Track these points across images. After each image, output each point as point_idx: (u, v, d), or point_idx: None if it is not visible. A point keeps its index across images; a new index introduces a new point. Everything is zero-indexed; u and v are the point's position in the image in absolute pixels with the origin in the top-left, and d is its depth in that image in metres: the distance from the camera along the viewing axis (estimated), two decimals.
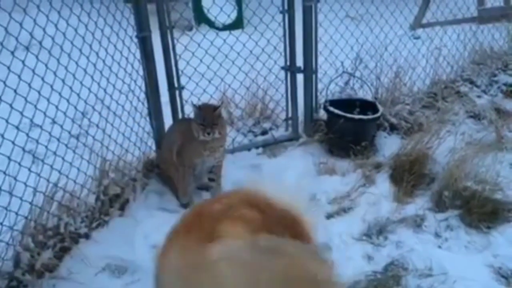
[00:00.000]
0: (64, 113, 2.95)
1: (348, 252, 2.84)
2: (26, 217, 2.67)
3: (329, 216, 3.16)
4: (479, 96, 4.64)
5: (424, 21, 6.63)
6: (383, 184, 3.43)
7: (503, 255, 2.77)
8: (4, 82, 2.39)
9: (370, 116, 3.81)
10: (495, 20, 5.70)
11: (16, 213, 2.61)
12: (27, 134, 2.66)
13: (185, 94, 3.59)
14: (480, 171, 3.19)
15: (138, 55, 3.30)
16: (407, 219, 3.09)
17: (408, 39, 5.17)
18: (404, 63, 4.56)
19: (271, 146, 3.97)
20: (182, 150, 3.20)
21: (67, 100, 2.95)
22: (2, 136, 2.45)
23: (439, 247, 2.88)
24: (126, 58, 3.32)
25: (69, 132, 3.05)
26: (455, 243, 2.90)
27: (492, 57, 5.07)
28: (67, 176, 2.92)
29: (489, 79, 4.85)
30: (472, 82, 4.78)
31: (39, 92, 2.66)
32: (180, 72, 3.46)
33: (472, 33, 5.19)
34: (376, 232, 2.98)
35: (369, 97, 4.16)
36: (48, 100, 2.76)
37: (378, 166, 3.62)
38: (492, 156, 3.38)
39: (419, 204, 3.22)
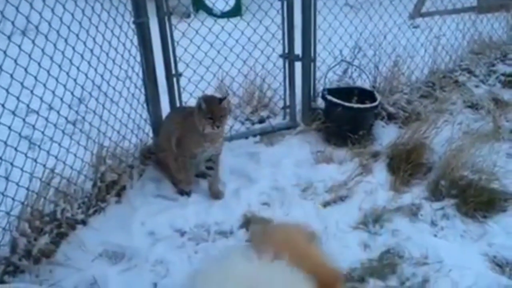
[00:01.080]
0: (61, 99, 2.93)
1: (344, 240, 2.85)
2: (22, 203, 2.67)
3: (326, 204, 3.17)
4: (477, 86, 4.64)
5: (424, 10, 6.60)
6: (380, 173, 3.44)
7: (498, 244, 2.79)
8: (0, 67, 2.37)
9: (368, 105, 3.80)
10: (495, 10, 5.67)
11: (13, 199, 2.61)
12: (24, 120, 2.64)
13: (183, 81, 3.57)
14: (477, 161, 3.20)
15: (135, 41, 3.27)
16: (403, 208, 3.10)
17: (407, 28, 5.16)
18: (403, 52, 4.55)
19: (268, 135, 3.96)
20: (183, 141, 3.17)
21: (64, 86, 2.93)
22: None
23: (435, 235, 2.90)
24: (124, 44, 3.29)
25: (66, 118, 3.03)
26: (451, 232, 2.91)
27: (490, 47, 5.06)
28: (64, 162, 2.91)
29: (488, 69, 4.84)
30: (470, 72, 4.78)
31: (35, 78, 2.64)
32: (177, 59, 3.44)
33: (471, 23, 5.17)
34: (373, 220, 2.99)
35: (367, 86, 4.15)
36: (44, 85, 2.74)
37: (375, 155, 3.63)
38: (489, 146, 3.39)
39: (415, 193, 3.23)
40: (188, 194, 3.26)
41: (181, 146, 3.18)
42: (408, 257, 2.71)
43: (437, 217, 3.03)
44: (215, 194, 3.27)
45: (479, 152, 3.27)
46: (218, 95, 3.89)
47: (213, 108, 2.98)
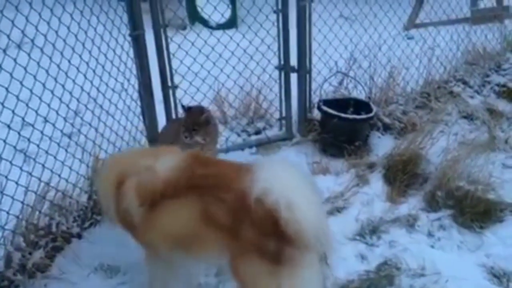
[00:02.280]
0: (57, 112, 2.92)
1: (341, 252, 2.83)
2: (17, 217, 2.66)
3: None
4: (472, 97, 4.66)
5: (418, 21, 6.64)
6: (376, 184, 3.44)
7: (495, 254, 2.78)
8: None
9: (363, 116, 3.81)
10: (488, 21, 5.72)
11: (8, 212, 2.60)
12: (19, 133, 2.64)
13: (179, 93, 3.58)
14: (472, 171, 3.21)
15: (131, 53, 3.28)
16: (400, 218, 3.10)
17: (402, 39, 5.18)
18: (398, 63, 4.58)
19: (264, 146, 3.97)
20: None
21: (60, 99, 2.93)
22: None
23: (432, 246, 2.89)
24: (119, 57, 3.30)
25: (61, 131, 3.03)
26: (448, 243, 2.91)
27: (485, 57, 5.09)
28: (59, 175, 2.90)
29: (482, 80, 4.87)
30: (465, 83, 4.80)
31: (31, 91, 2.64)
32: (173, 71, 3.45)
33: (465, 34, 5.22)
34: (370, 231, 2.99)
35: (362, 97, 4.16)
36: (40, 98, 2.74)
37: (371, 166, 3.63)
38: (484, 156, 3.40)
39: (412, 204, 3.23)
40: None
41: None
42: (405, 268, 2.70)
43: (434, 228, 3.02)
44: None
45: (474, 162, 3.27)
46: (212, 107, 3.91)
47: (188, 118, 2.98)
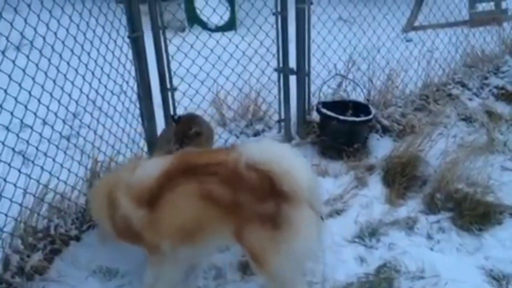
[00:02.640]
0: (55, 114, 2.92)
1: (340, 254, 2.84)
2: (15, 219, 2.65)
3: (321, 218, 3.14)
4: (470, 99, 4.66)
5: (417, 24, 6.66)
6: (375, 186, 3.44)
7: (494, 257, 2.79)
8: None
9: (362, 118, 3.81)
10: (486, 24, 5.74)
11: (6, 215, 2.59)
12: (17, 135, 2.63)
13: (178, 95, 3.57)
14: (471, 174, 3.21)
15: (130, 55, 3.28)
16: (399, 221, 3.09)
17: (401, 42, 5.21)
18: (397, 66, 4.58)
19: None
20: None
21: (58, 101, 2.92)
22: None
23: (431, 249, 2.89)
24: (118, 59, 3.30)
25: (60, 133, 3.03)
26: (447, 245, 2.91)
27: (483, 60, 5.10)
28: (57, 178, 2.89)
29: (481, 82, 4.88)
30: (463, 85, 4.81)
31: (29, 93, 2.64)
32: (172, 73, 3.44)
33: (464, 36, 5.23)
34: (369, 234, 2.98)
35: (361, 99, 4.17)
36: (39, 100, 2.74)
37: (370, 168, 3.63)
38: (483, 158, 3.41)
39: (411, 206, 3.23)
40: None
41: None
42: (404, 271, 2.70)
43: (433, 230, 3.02)
44: None
45: (473, 165, 3.28)
46: (211, 109, 3.91)
47: (178, 130, 3.01)
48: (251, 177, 2.06)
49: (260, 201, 2.06)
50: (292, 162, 2.09)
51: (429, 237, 2.98)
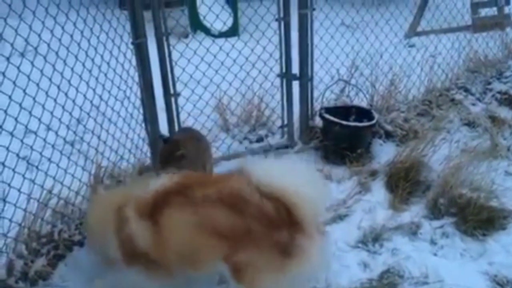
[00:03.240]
0: (59, 120, 2.93)
1: (343, 259, 2.83)
2: (19, 224, 2.65)
3: (325, 223, 3.14)
4: (473, 104, 4.66)
5: (419, 29, 6.67)
6: (378, 192, 3.43)
7: (498, 262, 2.78)
8: None
9: (365, 123, 3.81)
10: (489, 29, 5.74)
11: (10, 220, 2.59)
12: (22, 141, 2.64)
13: (181, 100, 3.58)
14: (475, 179, 3.20)
15: (134, 61, 3.29)
16: (402, 226, 3.09)
17: (403, 47, 5.21)
18: (399, 71, 4.58)
19: (266, 153, 3.96)
20: None
21: (62, 107, 2.94)
22: None
23: (435, 254, 2.88)
24: (122, 65, 3.31)
25: (64, 139, 3.04)
26: (451, 251, 2.90)
27: (486, 65, 5.10)
28: (61, 183, 2.90)
29: (484, 87, 4.87)
30: (466, 90, 4.80)
31: (34, 99, 2.65)
32: (176, 79, 3.46)
33: (467, 42, 5.23)
34: (372, 239, 2.98)
35: (364, 104, 4.17)
36: (43, 106, 2.75)
37: (373, 173, 3.62)
38: (487, 163, 3.40)
39: (414, 212, 3.22)
40: None
41: None
42: (408, 276, 2.69)
43: (437, 235, 3.01)
44: None
45: (477, 170, 3.27)
46: (214, 115, 3.92)
47: (162, 152, 3.01)
48: (263, 205, 2.01)
49: (275, 228, 2.02)
50: (305, 190, 2.02)
51: (433, 242, 2.97)
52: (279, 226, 2.01)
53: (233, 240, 2.08)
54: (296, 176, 2.10)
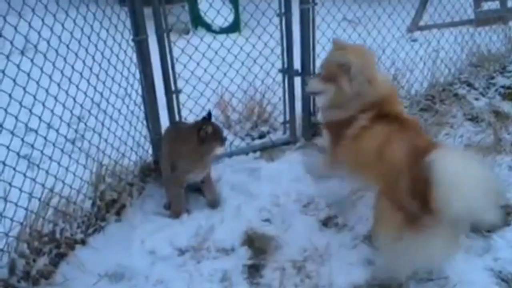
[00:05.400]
0: (60, 118, 2.91)
1: (348, 257, 2.81)
2: (21, 223, 2.64)
3: (328, 220, 3.13)
4: (477, 99, 4.64)
5: (422, 23, 6.62)
6: None
7: (503, 258, 2.76)
8: None
9: None
10: (492, 23, 5.70)
11: (11, 219, 2.58)
12: (22, 139, 2.63)
13: (182, 97, 3.57)
14: None
15: (134, 58, 3.27)
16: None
17: (406, 42, 5.17)
18: (402, 66, 4.56)
19: (269, 150, 3.95)
20: (173, 168, 3.17)
21: (63, 104, 2.92)
22: None
23: None
24: (123, 62, 3.29)
25: (65, 137, 3.02)
26: None
27: (489, 59, 5.07)
28: (63, 181, 2.89)
29: (487, 82, 4.85)
30: (470, 85, 4.78)
31: (34, 96, 2.63)
32: (177, 76, 3.44)
33: (470, 36, 5.20)
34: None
35: None
36: (43, 104, 2.73)
37: None
38: (490, 158, 3.37)
39: None
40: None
41: (173, 172, 3.17)
42: (412, 273, 2.67)
43: None
44: (211, 202, 3.29)
45: None
46: (216, 111, 3.90)
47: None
48: (421, 174, 2.14)
49: (411, 195, 2.24)
50: (458, 184, 2.07)
51: None
52: (414, 194, 2.21)
53: (390, 182, 2.40)
54: (465, 169, 2.14)
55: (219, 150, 3.10)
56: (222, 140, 3.11)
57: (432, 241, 2.23)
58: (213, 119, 3.22)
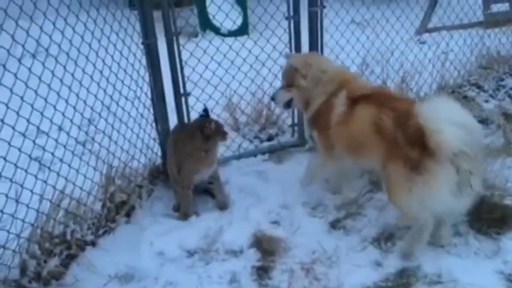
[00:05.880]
0: (71, 120, 2.95)
1: (356, 259, 2.81)
2: (32, 225, 2.67)
3: (336, 222, 3.13)
4: (486, 101, 4.62)
5: (430, 25, 6.61)
6: None
7: None
8: (11, 90, 2.40)
9: None
10: (502, 25, 5.67)
11: (23, 221, 2.61)
12: (34, 141, 2.66)
13: (191, 100, 3.59)
14: (488, 177, 3.16)
15: (144, 61, 3.30)
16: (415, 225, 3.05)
17: (414, 44, 5.16)
18: (411, 68, 4.55)
19: (277, 152, 3.96)
20: (180, 169, 3.20)
21: (74, 107, 2.95)
22: (9, 143, 2.45)
23: (448, 253, 2.85)
24: (132, 65, 3.32)
25: (76, 139, 3.05)
26: (464, 249, 2.86)
27: (499, 61, 5.04)
28: (73, 183, 2.92)
29: (496, 84, 4.82)
30: (479, 87, 4.76)
31: (45, 99, 2.67)
32: (186, 79, 3.46)
33: (479, 38, 5.17)
34: (384, 238, 2.96)
35: None
36: (54, 107, 2.77)
37: None
38: (500, 161, 3.36)
39: None
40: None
41: (180, 174, 3.19)
42: (421, 275, 2.67)
43: (450, 234, 2.97)
44: (221, 204, 3.31)
45: (490, 167, 3.23)
46: (224, 114, 3.92)
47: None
48: (411, 124, 2.48)
49: (409, 145, 2.50)
50: (448, 124, 2.37)
51: None
52: (413, 144, 2.47)
53: (387, 150, 2.65)
54: (451, 111, 2.48)
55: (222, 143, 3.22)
56: (224, 134, 3.21)
57: (439, 180, 2.46)
58: (221, 122, 3.25)
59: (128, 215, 3.19)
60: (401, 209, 2.79)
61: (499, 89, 4.77)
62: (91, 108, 3.10)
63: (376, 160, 2.77)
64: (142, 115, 3.48)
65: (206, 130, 3.08)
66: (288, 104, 3.34)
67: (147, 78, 3.35)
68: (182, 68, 3.40)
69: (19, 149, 2.53)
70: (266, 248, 2.92)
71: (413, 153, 2.49)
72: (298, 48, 3.81)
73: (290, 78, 3.20)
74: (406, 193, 2.59)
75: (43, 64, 2.67)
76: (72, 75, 2.89)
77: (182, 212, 3.23)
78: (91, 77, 3.04)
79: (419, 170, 2.49)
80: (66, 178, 2.88)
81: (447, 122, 2.37)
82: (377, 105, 2.78)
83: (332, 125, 3.02)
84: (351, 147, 2.96)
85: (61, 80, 2.79)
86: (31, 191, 2.65)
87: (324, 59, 3.41)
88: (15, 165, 2.53)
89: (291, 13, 3.73)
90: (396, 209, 2.84)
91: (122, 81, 3.28)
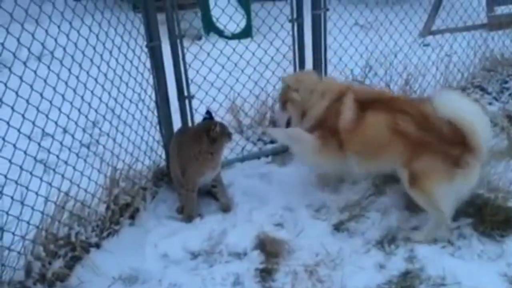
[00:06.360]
0: (75, 123, 2.96)
1: (359, 261, 2.82)
2: (37, 227, 2.69)
3: (339, 224, 3.13)
4: (490, 103, 4.61)
5: (434, 28, 6.61)
6: (394, 192, 3.40)
7: None
8: (16, 92, 2.41)
9: None
10: (505, 27, 5.66)
11: (28, 223, 2.63)
12: (39, 144, 2.68)
13: (195, 102, 3.60)
14: (492, 179, 3.16)
15: (148, 64, 3.32)
16: (419, 227, 3.05)
17: (418, 46, 5.16)
18: (414, 71, 4.55)
19: (280, 155, 3.96)
20: (185, 172, 3.22)
21: (78, 110, 2.97)
22: (14, 145, 2.47)
23: (452, 255, 2.85)
24: (136, 68, 3.34)
25: (80, 142, 3.07)
26: (468, 252, 2.86)
27: (503, 63, 5.03)
28: (78, 185, 2.93)
29: (500, 86, 4.81)
30: (483, 89, 4.76)
31: (50, 102, 2.69)
32: (189, 81, 3.47)
33: (483, 40, 5.17)
34: (388, 241, 2.96)
35: None
36: (59, 109, 2.78)
37: (389, 174, 3.58)
38: (504, 163, 3.36)
39: None
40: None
41: (184, 177, 3.20)
42: (425, 278, 2.67)
43: (454, 236, 2.97)
44: (224, 206, 3.31)
45: (494, 170, 3.23)
46: (228, 116, 3.93)
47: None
48: (446, 127, 2.75)
49: (449, 144, 2.74)
50: (480, 124, 2.74)
51: (450, 243, 2.93)
52: (454, 143, 2.73)
53: (413, 150, 2.84)
54: (474, 110, 2.81)
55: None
56: (229, 135, 3.23)
57: (475, 173, 2.78)
58: (225, 123, 3.26)
59: (132, 217, 3.20)
60: (431, 200, 2.86)
61: (503, 92, 4.76)
62: (96, 110, 3.12)
63: (396, 160, 2.92)
64: (146, 117, 3.50)
65: (212, 133, 3.09)
66: (288, 123, 3.37)
67: (151, 80, 3.37)
68: (186, 71, 3.42)
69: (25, 152, 2.55)
70: (269, 250, 2.92)
71: (453, 150, 2.74)
72: (301, 51, 3.82)
73: (284, 95, 3.32)
74: (445, 184, 2.77)
75: (48, 67, 2.69)
76: (77, 77, 2.90)
77: (186, 214, 3.24)
78: (96, 80, 3.06)
79: (460, 165, 2.73)
80: (70, 180, 2.89)
81: (480, 123, 2.73)
82: (387, 110, 2.95)
83: (342, 131, 3.06)
84: (367, 152, 3.04)
85: (66, 83, 2.81)
86: (36, 193, 2.67)
87: (316, 74, 3.46)
88: (20, 167, 2.54)
89: (295, 16, 3.73)
90: (421, 202, 2.93)
91: (127, 84, 3.30)
